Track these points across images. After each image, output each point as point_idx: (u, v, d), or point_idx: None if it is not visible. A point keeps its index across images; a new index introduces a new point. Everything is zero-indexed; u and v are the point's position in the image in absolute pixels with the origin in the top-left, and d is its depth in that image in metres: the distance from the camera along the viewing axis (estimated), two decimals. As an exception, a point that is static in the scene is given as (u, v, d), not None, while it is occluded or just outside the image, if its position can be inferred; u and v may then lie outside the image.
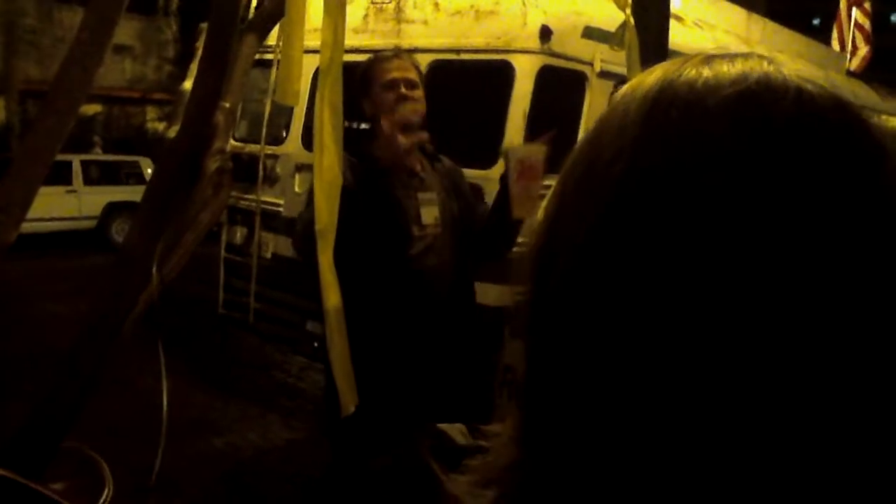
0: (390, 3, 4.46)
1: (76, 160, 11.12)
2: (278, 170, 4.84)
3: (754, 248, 0.36)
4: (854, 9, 9.45)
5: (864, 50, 9.44)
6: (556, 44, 3.98)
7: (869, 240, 0.36)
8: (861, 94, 7.76)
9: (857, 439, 0.36)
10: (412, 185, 2.36)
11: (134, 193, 10.31)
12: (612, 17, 3.42)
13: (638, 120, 0.40)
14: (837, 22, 9.52)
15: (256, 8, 3.37)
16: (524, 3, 4.00)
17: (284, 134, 4.91)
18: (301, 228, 2.13)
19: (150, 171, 10.90)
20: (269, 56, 4.29)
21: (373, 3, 4.50)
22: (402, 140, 2.17)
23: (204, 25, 4.08)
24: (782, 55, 0.44)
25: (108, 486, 1.69)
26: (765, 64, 0.41)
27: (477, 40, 4.09)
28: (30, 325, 6.01)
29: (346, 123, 2.08)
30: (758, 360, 0.35)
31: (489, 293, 2.75)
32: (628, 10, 3.11)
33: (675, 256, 0.37)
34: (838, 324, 0.36)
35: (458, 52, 4.06)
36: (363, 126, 2.21)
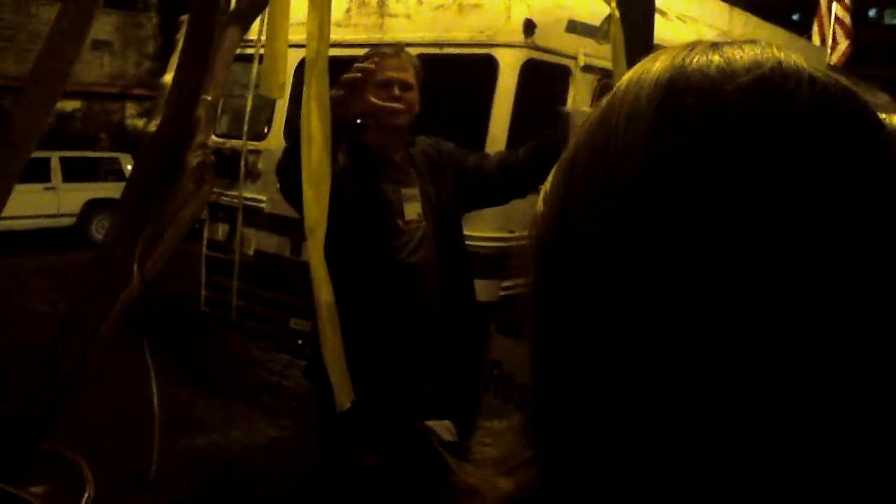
0: (373, -4, 4.44)
1: (55, 157, 10.97)
2: (260, 165, 4.80)
3: (778, 233, 0.36)
4: (834, 4, 9.54)
5: (844, 44, 9.54)
6: (539, 38, 3.98)
7: (883, 223, 0.37)
8: (842, 88, 7.92)
9: (865, 433, 0.36)
10: (397, 179, 2.35)
11: (114, 190, 10.19)
12: (596, 11, 3.41)
13: (651, 108, 0.39)
14: (818, 16, 9.61)
15: (238, 0, 3.34)
16: (508, -3, 3.99)
17: (266, 129, 4.87)
18: (283, 162, 2.11)
19: (129, 167, 10.77)
20: (251, 51, 4.25)
21: (356, -4, 4.48)
22: (375, 101, 2.13)
23: (184, 18, 4.03)
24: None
25: (90, 488, 1.66)
26: (774, 50, 0.41)
27: (460, 34, 4.07)
28: (7, 323, 5.93)
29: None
30: (783, 351, 0.35)
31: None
32: (613, 4, 3.11)
33: (705, 243, 0.36)
34: (864, 309, 0.36)
35: (441, 45, 4.05)
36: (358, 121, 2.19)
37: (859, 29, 10.85)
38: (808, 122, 0.37)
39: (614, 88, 0.43)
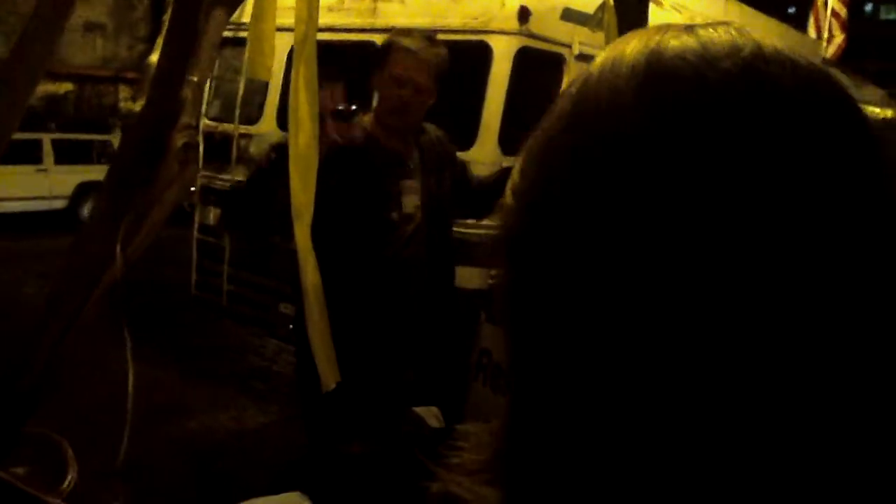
0: (367, -20, 4.41)
1: (46, 139, 10.91)
2: (252, 150, 4.78)
3: (766, 220, 0.35)
4: (831, -3, 9.53)
5: (839, 38, 9.54)
6: (534, 25, 3.96)
7: (865, 207, 0.36)
8: (837, 81, 7.94)
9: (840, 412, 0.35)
10: (397, 172, 2.32)
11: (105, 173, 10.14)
12: (591, -2, 3.40)
13: (631, 97, 0.38)
14: (814, 9, 9.60)
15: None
16: (502, -17, 3.97)
17: (258, 114, 4.85)
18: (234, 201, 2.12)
19: (122, 150, 10.70)
20: (244, 34, 4.22)
21: (349, -20, 4.45)
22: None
23: None
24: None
25: (73, 470, 1.65)
26: (748, 34, 0.40)
27: (454, 20, 4.05)
28: (-2, 306, 5.90)
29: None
30: (762, 346, 0.35)
31: (463, 276, 2.74)
32: (607, -8, 3.10)
33: (691, 233, 0.35)
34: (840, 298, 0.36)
35: (434, 32, 4.02)
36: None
37: (855, 23, 10.85)
38: (791, 106, 0.37)
39: (584, 76, 0.42)
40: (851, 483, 0.35)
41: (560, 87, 4.18)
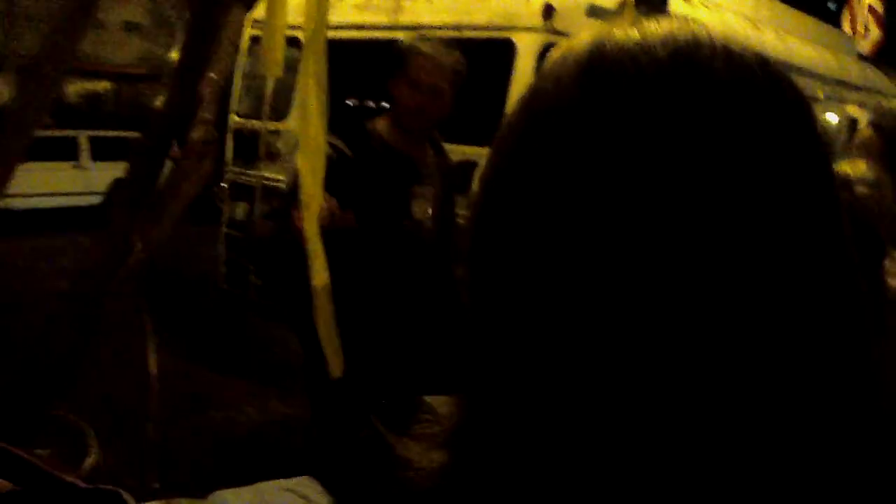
0: (393, -22, 4.43)
1: (83, 136, 11.11)
2: (280, 146, 4.84)
3: (700, 204, 0.37)
4: (868, -8, 9.33)
5: (876, 34, 9.33)
6: (559, 22, 3.94)
7: (803, 187, 0.38)
8: (872, 78, 7.66)
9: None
10: (410, 176, 2.33)
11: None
12: (615, -6, 3.38)
13: (572, 89, 0.40)
14: (849, 5, 9.40)
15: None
16: (527, -20, 3.97)
17: (286, 110, 4.90)
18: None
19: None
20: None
21: (375, -22, 4.47)
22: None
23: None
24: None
25: (95, 453, 1.70)
26: (690, 24, 0.41)
27: (479, 18, 4.05)
28: (32, 301, 6.04)
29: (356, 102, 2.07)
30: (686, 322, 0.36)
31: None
32: (631, -12, 3.08)
33: (625, 220, 0.37)
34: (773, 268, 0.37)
35: (459, 29, 4.03)
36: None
37: (894, 19, 10.59)
38: (724, 92, 0.38)
39: (541, 71, 0.44)
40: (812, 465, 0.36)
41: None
